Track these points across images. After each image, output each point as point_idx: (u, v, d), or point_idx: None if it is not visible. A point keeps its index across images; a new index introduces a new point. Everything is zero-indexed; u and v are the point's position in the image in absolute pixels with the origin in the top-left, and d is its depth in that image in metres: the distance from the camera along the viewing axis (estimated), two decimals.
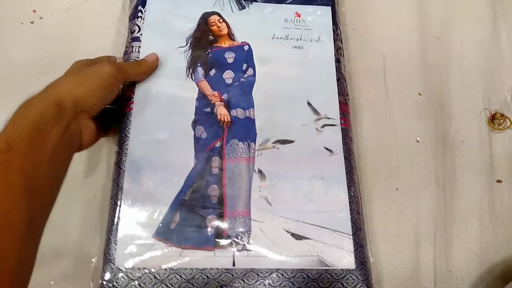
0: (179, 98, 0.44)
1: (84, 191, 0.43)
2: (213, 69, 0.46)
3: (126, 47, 0.46)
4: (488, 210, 0.44)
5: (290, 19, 0.50)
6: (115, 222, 0.39)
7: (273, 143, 0.44)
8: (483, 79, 0.51)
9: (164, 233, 0.39)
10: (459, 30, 0.53)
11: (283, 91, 0.46)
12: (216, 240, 0.39)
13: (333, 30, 0.50)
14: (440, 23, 0.53)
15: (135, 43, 0.46)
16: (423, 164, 0.47)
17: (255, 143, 0.43)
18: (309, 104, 0.46)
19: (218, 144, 0.43)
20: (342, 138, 0.44)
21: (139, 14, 0.47)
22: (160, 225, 0.39)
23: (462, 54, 0.52)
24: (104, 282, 0.37)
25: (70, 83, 0.36)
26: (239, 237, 0.39)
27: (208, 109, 0.44)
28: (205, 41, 0.47)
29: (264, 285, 0.37)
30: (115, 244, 0.38)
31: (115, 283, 0.37)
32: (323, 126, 0.45)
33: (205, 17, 0.48)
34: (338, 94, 0.47)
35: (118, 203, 0.39)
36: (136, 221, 0.39)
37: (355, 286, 0.38)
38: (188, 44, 0.46)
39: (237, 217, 0.40)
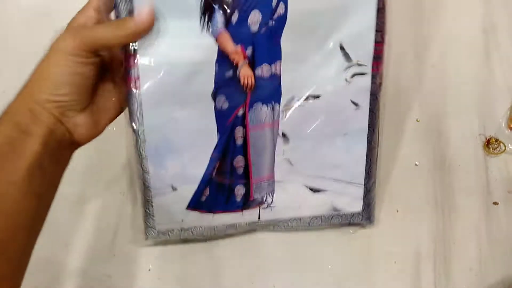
0: (195, 64, 0.35)
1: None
2: (235, 11, 0.34)
3: None
4: (485, 231, 0.47)
5: None
6: (148, 200, 0.39)
7: (298, 100, 0.40)
8: (478, 105, 0.53)
9: (196, 205, 0.41)
10: (454, 59, 0.55)
11: (316, 31, 0.37)
12: (244, 204, 0.42)
13: None
14: (436, 53, 0.54)
15: None
16: (422, 186, 0.49)
17: (279, 104, 0.39)
18: (341, 48, 0.39)
19: (240, 112, 0.38)
20: (371, 87, 0.41)
21: None
22: (192, 199, 0.40)
23: (458, 82, 0.53)
24: (148, 237, 0.42)
25: (37, 85, 0.30)
26: (264, 198, 0.43)
27: (230, 73, 0.36)
28: None
29: (284, 227, 0.45)
30: (152, 216, 0.40)
31: (157, 239, 0.42)
32: (353, 75, 0.40)
33: None
34: (376, 30, 0.39)
35: (147, 185, 0.39)
36: (169, 198, 0.40)
37: (360, 222, 0.46)
38: None
39: (262, 182, 0.42)
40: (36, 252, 0.30)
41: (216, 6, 0.33)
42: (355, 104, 0.41)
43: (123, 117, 0.37)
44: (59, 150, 0.31)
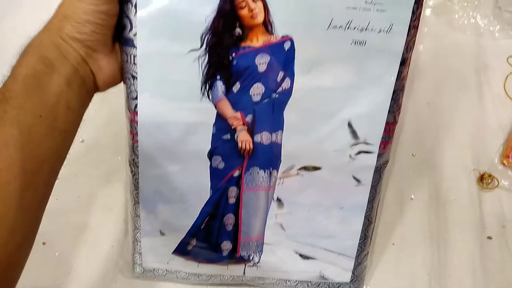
0: (193, 125, 0.36)
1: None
2: (238, 82, 0.35)
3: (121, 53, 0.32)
4: (480, 265, 0.47)
5: None
6: (137, 239, 0.41)
7: (298, 169, 0.40)
8: (472, 141, 0.56)
9: (182, 252, 0.42)
10: (448, 97, 0.59)
11: (323, 107, 0.37)
12: (230, 258, 0.43)
13: (413, 12, 0.34)
14: (430, 91, 0.59)
15: (129, 49, 0.32)
16: (418, 220, 0.50)
17: (277, 171, 0.39)
18: (349, 125, 0.38)
19: (236, 174, 0.39)
20: (376, 165, 0.40)
21: None
22: (178, 246, 0.42)
23: (452, 119, 0.57)
24: (134, 272, 0.44)
25: (62, 22, 0.30)
26: (251, 256, 0.43)
27: (228, 136, 0.37)
28: (229, 37, 0.33)
29: (271, 286, 0.45)
30: (139, 254, 0.42)
31: (143, 275, 0.44)
32: (359, 153, 0.39)
33: None
34: (389, 112, 0.38)
35: (137, 227, 0.41)
36: (157, 241, 0.41)
37: None
38: (204, 44, 0.32)
39: (250, 242, 0.42)
40: (39, 280, 0.31)
41: (217, 77, 0.34)
42: (357, 180, 0.40)
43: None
44: (83, 91, 0.32)
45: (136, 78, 0.33)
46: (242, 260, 0.43)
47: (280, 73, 0.35)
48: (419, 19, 0.35)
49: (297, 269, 0.44)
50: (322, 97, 0.36)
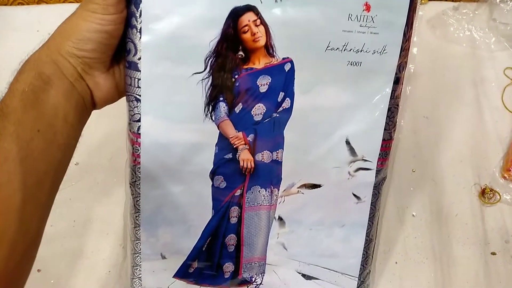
0: (195, 146, 0.39)
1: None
2: (240, 103, 0.38)
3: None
4: (484, 282, 0.50)
5: (355, 15, 0.37)
6: (136, 263, 0.44)
7: (298, 187, 0.43)
8: (472, 155, 0.58)
9: (183, 275, 0.45)
10: (445, 110, 0.62)
11: (321, 126, 0.41)
12: (232, 279, 0.46)
13: (404, 35, 0.39)
14: (428, 104, 0.62)
15: (133, 73, 0.36)
16: (420, 237, 0.53)
17: (278, 189, 0.43)
18: (347, 142, 0.42)
19: (238, 193, 0.42)
20: (375, 182, 0.44)
21: (133, 22, 0.34)
22: (179, 269, 0.44)
23: (450, 132, 0.60)
24: None
25: (63, 38, 0.33)
26: (253, 278, 0.46)
27: (230, 155, 0.40)
28: (232, 60, 0.37)
29: None
30: (139, 279, 0.45)
31: None
32: (357, 169, 0.43)
33: (234, 17, 0.35)
34: (384, 129, 0.42)
35: (138, 251, 0.43)
36: (157, 266, 0.44)
37: None
38: (208, 67, 0.36)
39: (252, 263, 0.45)
40: None
41: (220, 98, 0.38)
42: (357, 197, 0.44)
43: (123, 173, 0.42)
44: (81, 106, 0.34)
45: (140, 101, 0.37)
46: (245, 282, 0.46)
47: (280, 93, 0.39)
48: (410, 41, 0.40)
49: None
50: (320, 116, 0.41)
